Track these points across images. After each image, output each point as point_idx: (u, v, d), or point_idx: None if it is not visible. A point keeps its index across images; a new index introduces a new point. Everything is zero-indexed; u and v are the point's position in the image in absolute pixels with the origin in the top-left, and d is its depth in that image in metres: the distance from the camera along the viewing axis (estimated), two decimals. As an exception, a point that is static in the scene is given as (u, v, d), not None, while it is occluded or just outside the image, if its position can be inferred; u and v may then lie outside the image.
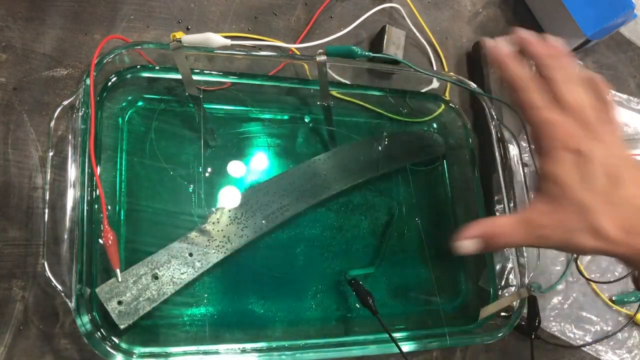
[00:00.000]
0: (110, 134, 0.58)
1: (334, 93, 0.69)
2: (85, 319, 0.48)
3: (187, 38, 0.57)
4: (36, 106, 0.57)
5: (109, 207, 0.55)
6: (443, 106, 0.74)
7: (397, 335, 0.59)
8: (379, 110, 0.71)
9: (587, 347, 0.75)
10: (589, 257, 0.79)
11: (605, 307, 0.78)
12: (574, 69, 0.47)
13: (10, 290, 0.52)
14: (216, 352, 0.55)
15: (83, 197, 0.50)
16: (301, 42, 0.68)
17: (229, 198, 0.60)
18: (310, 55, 0.61)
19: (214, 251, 0.56)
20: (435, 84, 0.72)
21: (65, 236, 0.49)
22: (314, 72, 0.66)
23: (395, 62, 0.68)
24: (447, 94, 0.74)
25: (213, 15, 0.66)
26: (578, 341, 0.74)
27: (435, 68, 0.76)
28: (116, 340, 0.52)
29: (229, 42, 0.57)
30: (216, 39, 0.57)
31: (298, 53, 0.67)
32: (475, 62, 0.78)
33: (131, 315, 0.52)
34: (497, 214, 0.71)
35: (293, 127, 0.67)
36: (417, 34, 0.76)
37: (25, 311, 0.52)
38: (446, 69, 0.76)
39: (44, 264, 0.48)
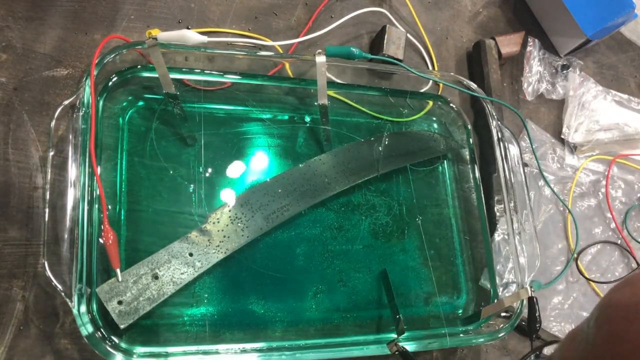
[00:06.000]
0: (111, 133, 0.58)
1: (332, 94, 0.69)
2: (86, 318, 0.48)
3: (163, 35, 0.57)
4: (37, 106, 0.57)
5: (109, 207, 0.55)
6: (431, 103, 0.74)
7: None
8: (370, 112, 0.70)
9: (588, 347, 0.75)
10: (589, 257, 0.79)
11: (606, 307, 0.78)
12: None
13: (10, 290, 0.52)
14: (216, 352, 0.55)
15: (83, 196, 0.50)
16: (300, 42, 0.68)
17: (229, 198, 0.60)
18: (309, 56, 0.61)
19: (214, 251, 0.56)
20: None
21: (66, 236, 0.49)
22: (299, 70, 0.66)
23: (394, 62, 0.68)
24: (439, 91, 0.75)
25: (213, 15, 0.66)
26: (578, 341, 0.74)
27: (431, 67, 0.76)
28: (116, 340, 0.52)
29: (205, 39, 0.57)
30: (192, 36, 0.57)
31: (281, 52, 0.67)
32: (475, 61, 0.78)
33: (131, 315, 0.52)
34: (497, 214, 0.71)
35: (293, 127, 0.67)
36: (416, 33, 0.76)
37: (25, 311, 0.52)
38: (436, 68, 0.76)
39: (44, 263, 0.48)
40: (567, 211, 0.79)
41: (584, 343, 0.39)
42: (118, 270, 0.52)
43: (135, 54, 0.58)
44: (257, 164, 0.63)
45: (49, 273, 0.48)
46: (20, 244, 0.53)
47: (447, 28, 0.80)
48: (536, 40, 0.83)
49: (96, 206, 0.53)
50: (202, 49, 0.58)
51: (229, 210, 0.59)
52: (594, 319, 0.38)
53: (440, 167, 0.73)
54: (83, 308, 0.48)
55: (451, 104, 0.74)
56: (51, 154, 0.52)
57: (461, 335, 0.64)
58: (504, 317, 0.65)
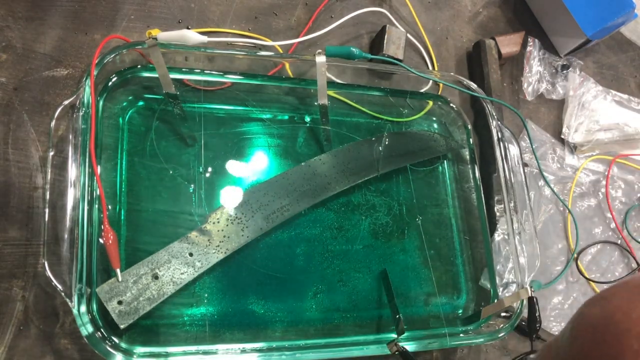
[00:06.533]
0: (111, 133, 0.58)
1: (332, 94, 0.69)
2: (86, 318, 0.48)
3: (163, 35, 0.57)
4: (36, 106, 0.57)
5: (109, 207, 0.55)
6: (431, 103, 0.74)
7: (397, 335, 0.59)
8: (370, 112, 0.70)
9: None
10: (589, 257, 0.79)
11: (606, 307, 0.78)
12: None
13: (10, 290, 0.52)
14: (216, 352, 0.55)
15: (83, 196, 0.50)
16: (300, 42, 0.68)
17: (229, 198, 0.60)
18: (309, 56, 0.61)
19: (214, 251, 0.56)
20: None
21: (66, 236, 0.49)
22: (299, 70, 0.66)
23: (394, 62, 0.68)
24: (440, 92, 0.75)
25: (213, 15, 0.66)
26: (578, 341, 0.74)
27: (431, 67, 0.76)
28: (116, 340, 0.52)
29: (205, 39, 0.57)
30: (192, 36, 0.57)
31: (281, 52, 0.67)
32: (475, 61, 0.78)
33: (131, 315, 0.52)
34: (497, 214, 0.71)
35: (293, 127, 0.67)
36: (416, 33, 0.76)
37: (25, 311, 0.52)
38: (436, 68, 0.76)
39: (44, 263, 0.48)
40: (567, 211, 0.79)
41: (558, 356, 0.38)
42: (118, 270, 0.52)
43: (135, 54, 0.58)
44: (257, 164, 0.63)
45: (49, 273, 0.48)
46: (20, 244, 0.53)
47: (447, 28, 0.80)
48: (536, 40, 0.83)
49: (96, 206, 0.53)
50: (202, 49, 0.58)
51: (229, 210, 0.59)
52: (568, 332, 0.37)
53: (440, 167, 0.73)
54: (83, 308, 0.48)
55: (451, 104, 0.74)
56: (51, 154, 0.52)
57: (461, 335, 0.64)
58: (504, 317, 0.65)
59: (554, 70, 0.84)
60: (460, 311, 0.68)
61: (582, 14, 0.79)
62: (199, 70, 0.61)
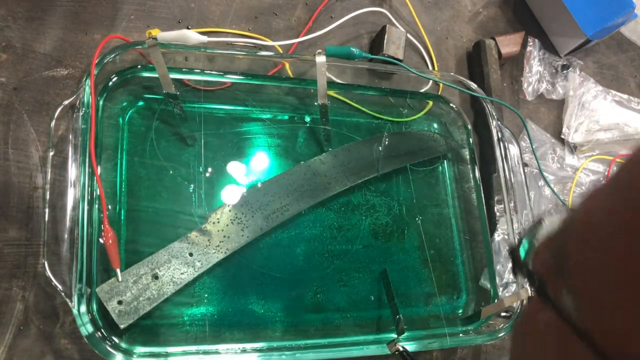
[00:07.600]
0: (111, 133, 0.58)
1: (332, 93, 0.69)
2: (86, 318, 0.48)
3: (163, 35, 0.57)
4: (36, 106, 0.57)
5: (109, 207, 0.55)
6: (431, 103, 0.74)
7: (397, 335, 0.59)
8: (371, 112, 0.70)
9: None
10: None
11: (606, 307, 0.78)
12: None
13: (10, 290, 0.52)
14: (216, 352, 0.55)
15: (83, 196, 0.50)
16: (300, 42, 0.68)
17: (229, 198, 0.60)
18: (309, 56, 0.61)
19: (214, 251, 0.56)
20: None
21: (66, 236, 0.49)
22: (299, 70, 0.66)
23: (394, 62, 0.68)
24: (439, 92, 0.75)
25: (213, 15, 0.66)
26: (578, 341, 0.74)
27: (431, 67, 0.76)
28: (116, 340, 0.52)
29: (205, 38, 0.57)
30: (192, 36, 0.57)
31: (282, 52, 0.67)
32: (475, 61, 0.78)
33: (131, 315, 0.52)
34: (497, 214, 0.71)
35: (293, 127, 0.67)
36: (416, 33, 0.76)
37: (25, 311, 0.52)
38: (436, 68, 0.76)
39: (44, 263, 0.48)
40: (567, 211, 0.79)
41: (617, 190, 0.30)
42: (118, 270, 0.52)
43: (135, 54, 0.58)
44: (257, 164, 0.63)
45: (49, 273, 0.48)
46: (20, 244, 0.53)
47: (447, 28, 0.80)
48: (536, 40, 0.83)
49: (96, 206, 0.53)
50: (202, 49, 0.58)
51: (229, 210, 0.59)
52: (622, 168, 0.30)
53: (440, 167, 0.73)
54: (83, 308, 0.48)
55: (451, 104, 0.74)
56: (51, 154, 0.52)
57: (461, 335, 0.64)
58: (504, 317, 0.65)
59: (554, 70, 0.84)
60: (460, 311, 0.68)
61: (582, 14, 0.79)
62: (199, 70, 0.61)
